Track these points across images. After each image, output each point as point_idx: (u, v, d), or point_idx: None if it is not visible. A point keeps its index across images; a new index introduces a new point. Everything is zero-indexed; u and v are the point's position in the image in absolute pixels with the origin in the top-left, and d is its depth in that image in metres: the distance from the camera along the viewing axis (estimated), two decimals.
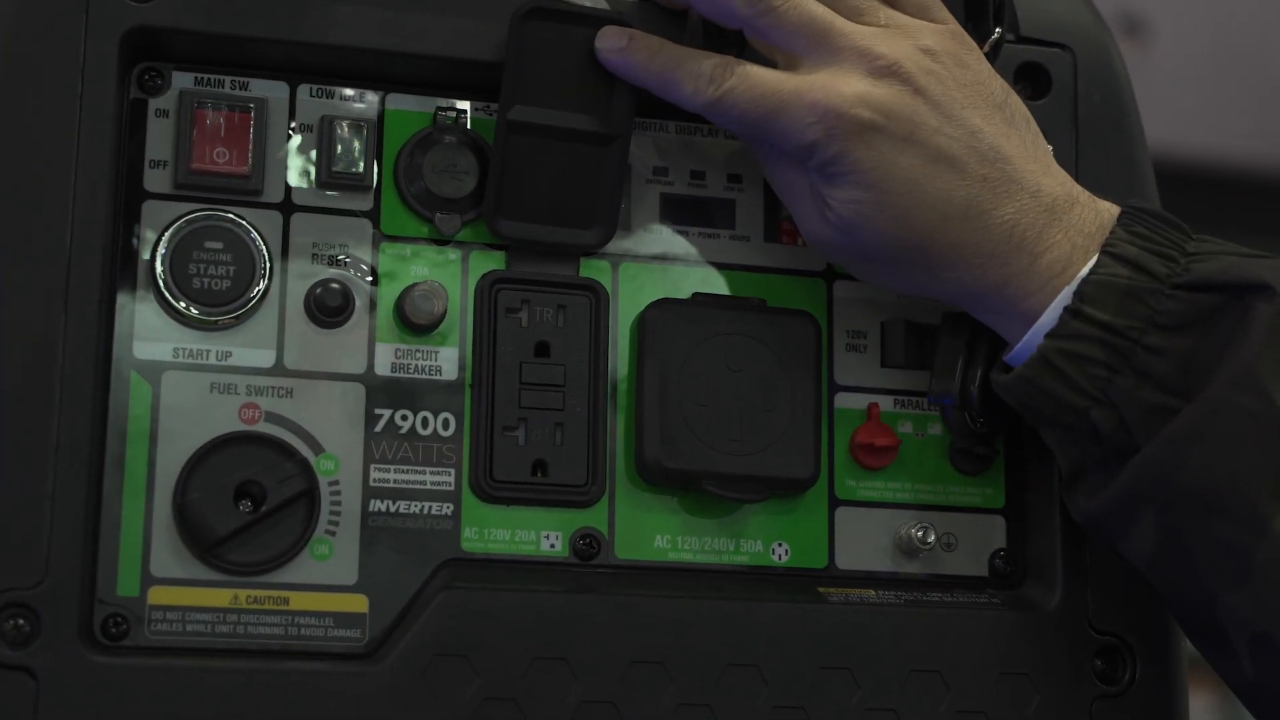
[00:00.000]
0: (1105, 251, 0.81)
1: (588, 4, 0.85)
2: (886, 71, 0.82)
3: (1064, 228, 0.82)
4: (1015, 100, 0.85)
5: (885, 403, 0.89)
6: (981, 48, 0.87)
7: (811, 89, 0.82)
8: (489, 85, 0.86)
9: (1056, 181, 0.84)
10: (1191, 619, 0.83)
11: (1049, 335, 0.81)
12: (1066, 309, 0.81)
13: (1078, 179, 0.86)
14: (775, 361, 0.87)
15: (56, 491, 0.77)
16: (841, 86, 0.81)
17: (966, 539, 0.89)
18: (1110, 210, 0.84)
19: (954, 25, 0.85)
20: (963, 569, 0.89)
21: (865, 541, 0.88)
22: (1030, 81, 0.92)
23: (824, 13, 0.83)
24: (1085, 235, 0.82)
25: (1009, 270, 0.82)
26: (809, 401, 0.87)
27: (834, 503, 0.88)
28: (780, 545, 0.87)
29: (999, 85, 0.85)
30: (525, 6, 0.84)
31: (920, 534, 0.88)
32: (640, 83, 0.85)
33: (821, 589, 0.86)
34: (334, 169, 0.84)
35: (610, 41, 0.84)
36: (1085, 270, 0.81)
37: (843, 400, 0.89)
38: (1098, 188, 0.86)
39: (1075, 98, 0.92)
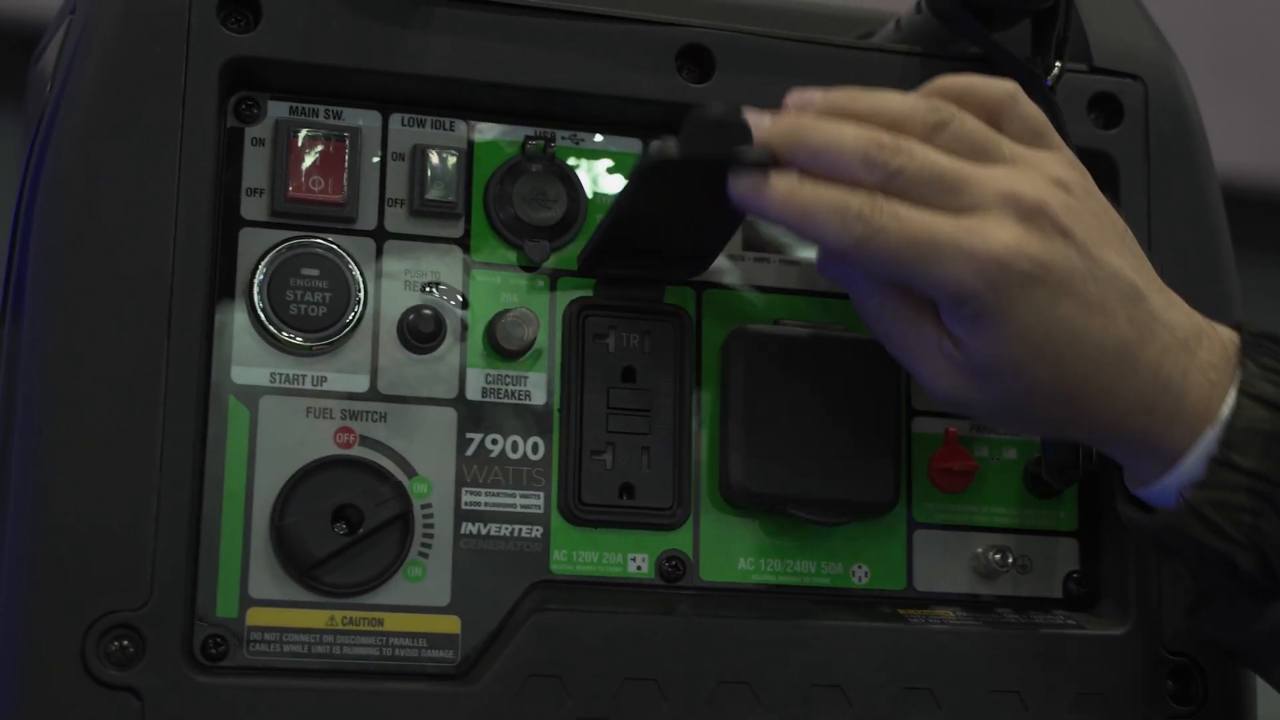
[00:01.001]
0: (1244, 393, 0.81)
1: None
2: (1034, 214, 0.78)
3: (1200, 365, 0.81)
4: (1123, 222, 0.84)
5: (962, 427, 0.91)
6: (1047, 82, 0.89)
7: (970, 235, 0.77)
8: (574, 115, 0.88)
9: (1183, 314, 0.82)
10: None
11: (1198, 486, 0.80)
12: (1214, 459, 0.80)
13: (1150, 210, 0.88)
14: (855, 386, 0.88)
15: (160, 515, 0.79)
16: (999, 233, 0.77)
17: (1041, 561, 0.91)
18: (1231, 338, 0.83)
19: (1069, 151, 0.83)
20: (1037, 590, 0.91)
21: (943, 564, 0.90)
22: (1103, 111, 0.94)
23: (951, 162, 0.79)
24: (1218, 370, 0.81)
25: (1155, 414, 0.81)
26: (888, 426, 0.89)
27: (912, 525, 0.90)
28: (860, 567, 0.89)
29: (1114, 212, 0.83)
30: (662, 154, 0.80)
31: (998, 557, 0.89)
32: (779, 221, 0.80)
33: (901, 610, 0.88)
34: (426, 197, 0.86)
35: (744, 186, 0.80)
36: (1226, 413, 0.81)
37: (920, 425, 0.91)
38: (1170, 219, 0.88)
39: (1147, 128, 0.94)
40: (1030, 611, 0.90)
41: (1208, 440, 0.80)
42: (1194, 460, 0.81)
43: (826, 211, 0.78)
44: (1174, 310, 0.82)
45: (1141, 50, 0.96)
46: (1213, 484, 0.80)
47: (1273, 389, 0.81)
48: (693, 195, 0.82)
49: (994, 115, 0.82)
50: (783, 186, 0.79)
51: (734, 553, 0.88)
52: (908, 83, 0.88)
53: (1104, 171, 0.91)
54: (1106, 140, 0.90)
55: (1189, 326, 0.82)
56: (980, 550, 0.90)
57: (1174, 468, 0.81)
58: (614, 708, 0.82)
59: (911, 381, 0.90)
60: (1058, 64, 0.90)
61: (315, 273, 0.84)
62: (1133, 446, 0.82)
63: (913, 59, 0.92)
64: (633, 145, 0.90)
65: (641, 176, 0.81)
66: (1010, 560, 0.89)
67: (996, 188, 0.79)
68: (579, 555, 0.86)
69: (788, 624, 0.85)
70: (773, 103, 0.85)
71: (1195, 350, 0.81)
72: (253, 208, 0.84)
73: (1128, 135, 0.94)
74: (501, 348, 0.85)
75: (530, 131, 0.88)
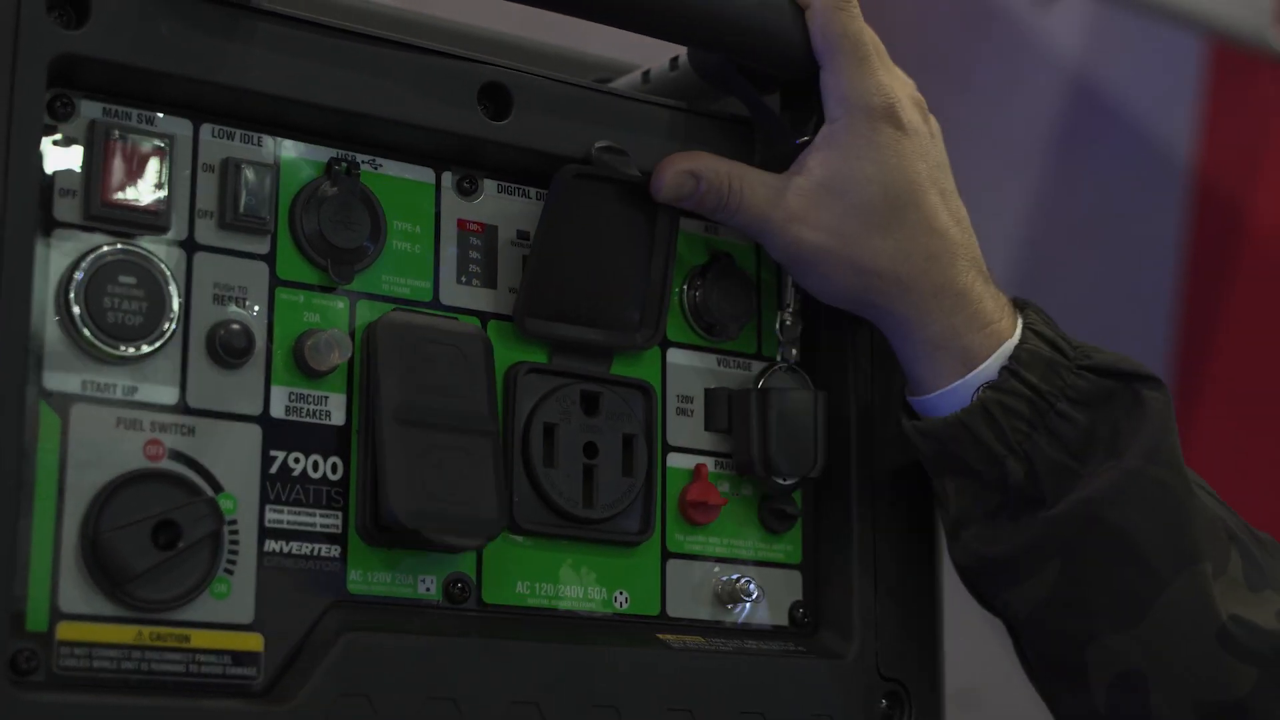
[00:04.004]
0: (1029, 327, 0.95)
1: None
2: None
3: (993, 295, 0.97)
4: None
5: (709, 464, 0.97)
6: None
7: None
8: (376, 140, 0.89)
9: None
10: (1053, 658, 0.96)
11: (991, 387, 0.93)
12: (1005, 368, 0.94)
13: None
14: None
15: None
16: None
17: (771, 591, 0.98)
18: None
19: None
20: (769, 619, 0.98)
21: (691, 591, 0.96)
22: None
23: None
24: (1003, 306, 0.96)
25: (964, 316, 0.95)
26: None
27: (665, 555, 0.95)
28: (622, 593, 0.94)
29: None
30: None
31: (739, 586, 0.96)
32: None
33: (660, 635, 0.93)
34: (239, 211, 0.85)
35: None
36: (1017, 336, 0.95)
37: (674, 460, 0.96)
38: None
39: None
40: (765, 638, 0.96)
41: (1004, 350, 0.94)
42: (991, 364, 0.94)
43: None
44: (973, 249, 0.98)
45: None
46: (1003, 388, 0.93)
47: (1049, 331, 0.96)
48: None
49: None
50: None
51: (512, 577, 0.90)
52: (674, 132, 0.96)
53: None
54: None
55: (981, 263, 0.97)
56: (723, 579, 0.96)
57: (974, 369, 0.94)
58: None
59: (668, 420, 0.95)
60: (808, 136, 0.97)
61: (133, 280, 0.82)
62: (944, 339, 0.95)
63: (679, 113, 0.97)
64: (428, 175, 0.91)
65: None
66: (751, 589, 0.96)
67: None
68: (374, 576, 0.87)
69: (566, 647, 0.89)
70: (563, 142, 0.91)
71: (988, 283, 0.97)
72: (65, 209, 0.82)
73: None
74: (308, 367, 0.86)
75: (335, 153, 0.89)
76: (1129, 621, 0.92)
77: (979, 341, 0.95)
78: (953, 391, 0.95)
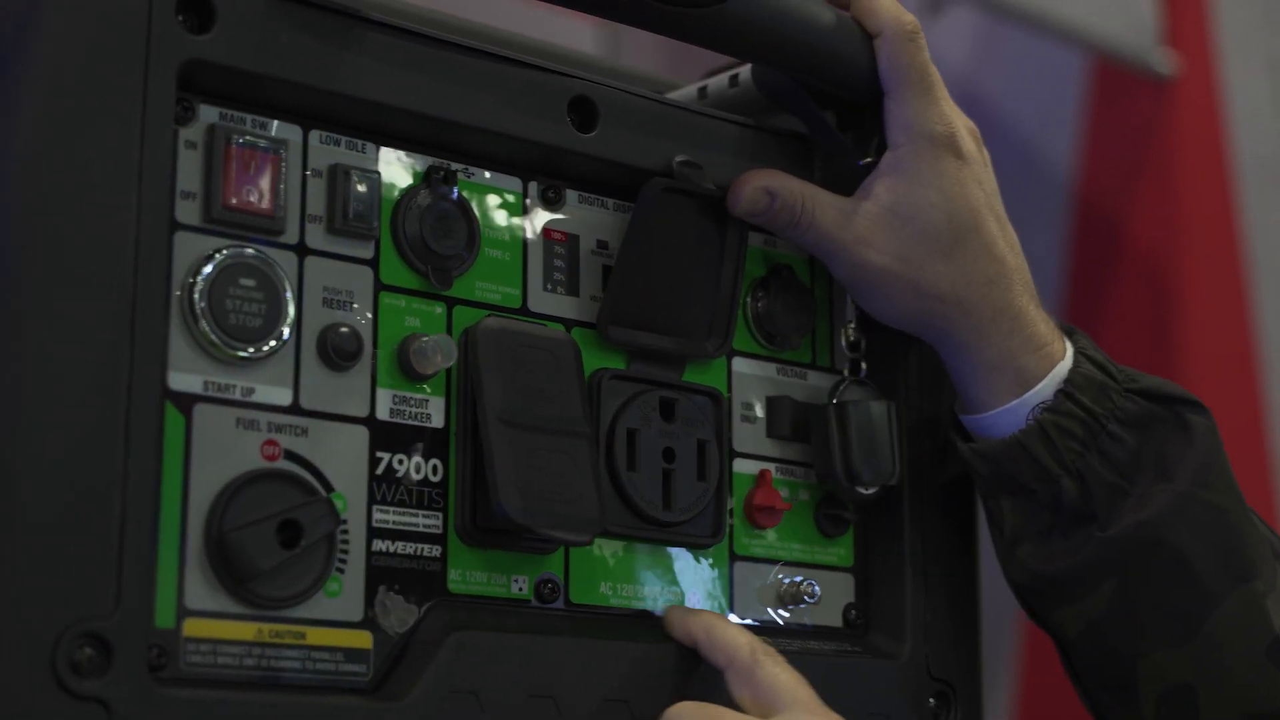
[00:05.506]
0: (1080, 351, 1.00)
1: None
2: None
3: (1045, 319, 1.01)
4: None
5: (773, 470, 1.00)
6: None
7: None
8: (468, 149, 0.92)
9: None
10: (1104, 673, 0.99)
11: (1047, 409, 0.97)
12: (1061, 390, 0.98)
13: None
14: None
15: (126, 523, 0.77)
16: None
17: (826, 593, 1.01)
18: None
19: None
20: (824, 620, 1.01)
21: (755, 593, 0.99)
22: None
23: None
24: (1053, 331, 1.00)
25: (1021, 338, 0.99)
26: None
27: (733, 557, 0.98)
28: (694, 594, 0.96)
29: None
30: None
31: (799, 588, 0.99)
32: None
33: None
34: (348, 216, 0.87)
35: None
36: (1068, 361, 0.99)
37: (739, 466, 0.99)
38: None
39: None
40: (823, 639, 1.00)
41: (1057, 373, 0.98)
42: (1046, 385, 0.98)
43: None
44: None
45: None
46: (1058, 410, 0.98)
47: (1098, 355, 1.00)
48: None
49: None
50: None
51: (596, 577, 0.93)
52: (743, 148, 1.00)
53: None
54: None
55: (1032, 287, 1.01)
56: (784, 581, 0.99)
57: (1030, 389, 0.98)
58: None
59: (734, 426, 0.98)
60: (872, 157, 1.01)
61: (252, 283, 0.84)
62: (1001, 361, 0.99)
63: (747, 129, 1.00)
64: (516, 185, 0.94)
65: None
66: (815, 590, 0.99)
67: None
68: (472, 575, 0.89)
69: (652, 646, 0.92)
70: (642, 155, 0.95)
71: (1039, 307, 1.01)
72: (186, 212, 0.83)
73: None
74: (412, 370, 0.88)
75: (430, 161, 0.91)
76: (1181, 638, 0.97)
77: (1034, 363, 0.98)
78: (1009, 411, 0.98)
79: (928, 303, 0.98)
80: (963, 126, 1.00)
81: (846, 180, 1.00)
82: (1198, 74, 2.79)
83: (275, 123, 0.86)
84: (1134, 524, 0.96)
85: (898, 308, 0.99)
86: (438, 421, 0.89)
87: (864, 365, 1.03)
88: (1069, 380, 0.98)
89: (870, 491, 1.00)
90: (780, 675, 0.88)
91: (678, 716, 0.87)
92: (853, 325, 1.03)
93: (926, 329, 1.00)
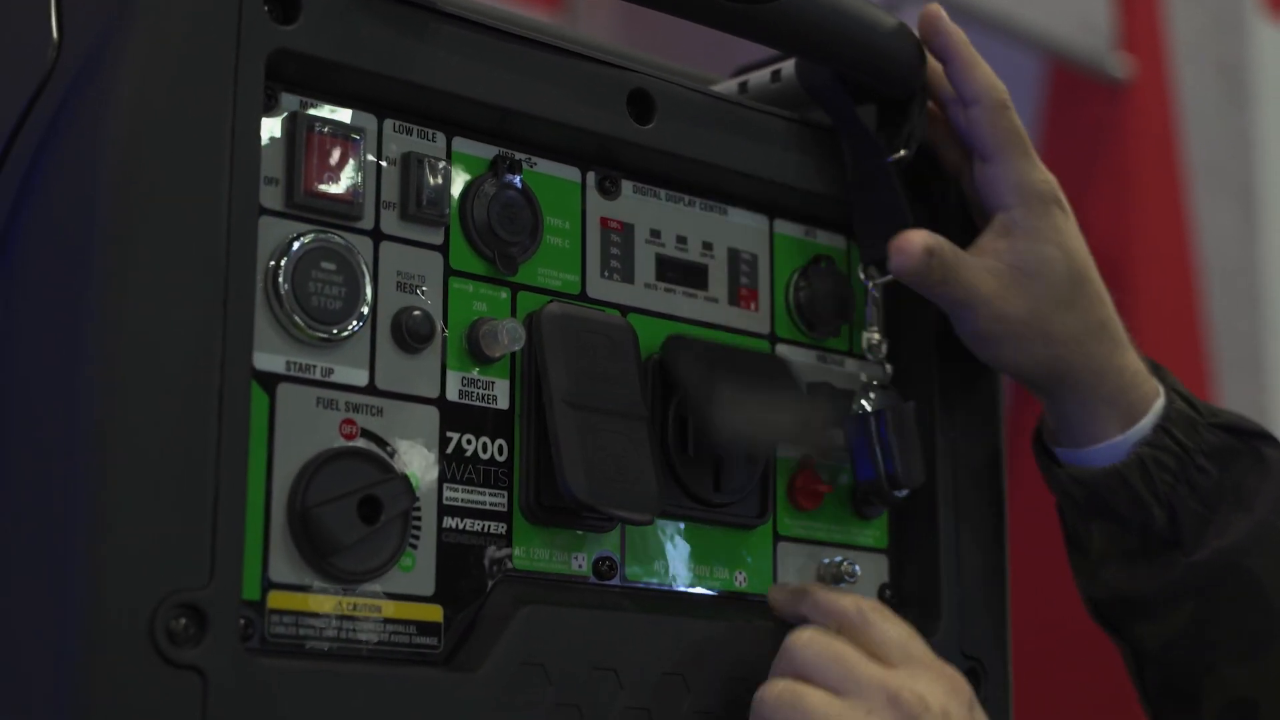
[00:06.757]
0: (1172, 389, 1.07)
1: None
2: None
3: (1137, 361, 1.06)
4: None
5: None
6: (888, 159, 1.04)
7: None
8: (530, 138, 0.94)
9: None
10: (1171, 685, 1.06)
11: (1146, 444, 1.03)
12: (1159, 426, 1.04)
13: None
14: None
15: (220, 495, 0.79)
16: None
17: (861, 573, 1.04)
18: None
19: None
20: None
21: (798, 573, 1.02)
22: None
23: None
24: (1144, 371, 1.06)
25: (1127, 379, 1.05)
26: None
27: (777, 538, 1.01)
28: (740, 574, 1.00)
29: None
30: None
31: (847, 565, 1.02)
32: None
33: None
34: (421, 203, 0.89)
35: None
36: (1163, 398, 1.06)
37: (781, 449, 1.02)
38: None
39: None
40: None
41: (1156, 409, 1.05)
42: (1147, 421, 1.05)
43: None
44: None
45: None
46: (1156, 445, 1.04)
47: (1185, 392, 1.07)
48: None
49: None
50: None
51: (651, 556, 0.96)
52: (792, 143, 1.03)
53: None
54: None
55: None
56: (824, 561, 1.03)
57: (1134, 424, 1.04)
58: (584, 695, 0.89)
59: None
60: (903, 150, 1.04)
61: (333, 267, 0.86)
62: (1114, 397, 1.04)
63: (793, 124, 1.04)
64: (575, 174, 0.96)
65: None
66: (855, 570, 1.02)
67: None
68: (535, 552, 0.92)
69: (706, 623, 0.95)
70: (697, 147, 0.98)
71: (1133, 344, 1.07)
72: (270, 197, 0.85)
73: None
74: (481, 353, 0.90)
75: (496, 150, 0.93)
76: (1249, 657, 1.04)
77: (1137, 399, 1.05)
78: (1113, 446, 1.04)
79: (1057, 349, 1.04)
80: (1055, 181, 1.06)
81: (874, 176, 1.03)
82: (1151, 78, 2.85)
83: (350, 111, 0.89)
84: (1215, 550, 1.03)
85: (1031, 357, 1.04)
86: (503, 403, 0.92)
87: (890, 368, 1.07)
88: (1166, 415, 1.05)
89: (904, 493, 1.04)
90: (890, 631, 0.93)
91: (770, 698, 0.90)
92: (875, 329, 1.06)
93: (1049, 375, 1.05)
